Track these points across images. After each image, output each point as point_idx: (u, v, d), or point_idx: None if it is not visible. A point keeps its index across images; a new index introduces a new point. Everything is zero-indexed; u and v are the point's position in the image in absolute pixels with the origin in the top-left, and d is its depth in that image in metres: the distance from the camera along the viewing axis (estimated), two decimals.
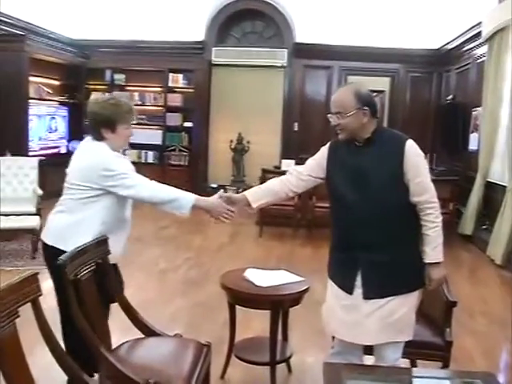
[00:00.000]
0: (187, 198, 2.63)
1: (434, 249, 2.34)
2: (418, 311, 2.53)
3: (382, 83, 9.98)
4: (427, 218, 2.34)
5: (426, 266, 2.37)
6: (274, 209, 7.07)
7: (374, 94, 10.07)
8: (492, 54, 6.85)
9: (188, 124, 10.05)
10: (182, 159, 10.00)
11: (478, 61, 7.72)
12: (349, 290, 2.37)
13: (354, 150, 2.37)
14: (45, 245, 2.63)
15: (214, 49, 10.04)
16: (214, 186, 10.26)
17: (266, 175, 7.07)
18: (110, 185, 2.54)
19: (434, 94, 9.84)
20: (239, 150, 10.04)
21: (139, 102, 10.05)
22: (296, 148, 9.79)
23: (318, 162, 2.50)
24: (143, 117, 9.99)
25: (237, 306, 3.05)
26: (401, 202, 2.31)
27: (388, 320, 2.34)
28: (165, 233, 7.02)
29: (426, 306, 2.87)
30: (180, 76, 10.04)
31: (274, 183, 2.62)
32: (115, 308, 2.68)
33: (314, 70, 10.10)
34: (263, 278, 2.94)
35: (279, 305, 2.89)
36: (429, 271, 2.37)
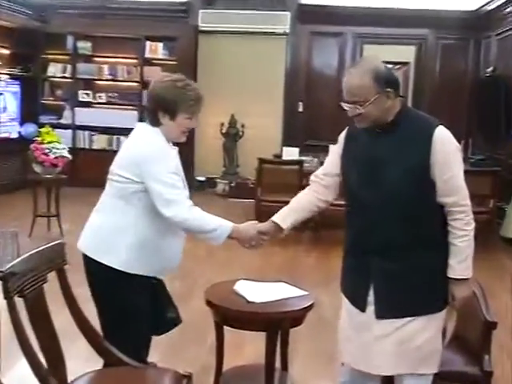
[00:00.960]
0: (223, 228, 2.81)
1: (460, 262, 2.33)
2: (454, 336, 2.52)
3: (407, 53, 9.98)
4: (455, 223, 2.32)
5: (450, 281, 2.36)
6: (273, 206, 7.03)
7: (397, 66, 10.07)
8: None
9: None
10: None
11: None
12: (361, 306, 2.39)
13: (372, 137, 2.38)
14: (83, 256, 2.68)
15: (200, 12, 10.00)
16: (202, 179, 10.27)
17: (263, 166, 7.05)
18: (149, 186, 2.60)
19: (471, 66, 9.83)
20: (232, 136, 10.02)
21: (109, 77, 10.07)
22: (301, 133, 9.80)
23: (332, 157, 2.56)
24: (115, 95, 9.97)
25: (226, 327, 3.01)
26: (425, 202, 2.31)
27: (407, 346, 2.33)
28: None
29: (459, 326, 2.85)
30: (159, 45, 10.02)
31: (299, 198, 2.69)
32: (75, 331, 2.62)
33: (322, 37, 10.12)
34: (257, 292, 2.90)
35: (277, 325, 2.86)
36: (452, 288, 2.36)
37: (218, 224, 2.78)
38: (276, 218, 2.70)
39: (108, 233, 2.64)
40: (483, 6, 9.15)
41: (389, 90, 2.29)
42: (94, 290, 2.66)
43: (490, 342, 2.71)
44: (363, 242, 2.38)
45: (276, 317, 2.81)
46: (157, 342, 3.94)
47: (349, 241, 2.49)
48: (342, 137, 2.53)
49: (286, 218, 2.66)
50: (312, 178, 2.66)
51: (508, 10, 8.27)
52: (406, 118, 2.34)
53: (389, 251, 2.31)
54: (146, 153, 2.62)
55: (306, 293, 2.97)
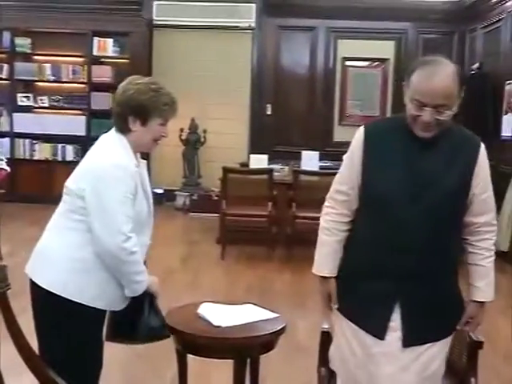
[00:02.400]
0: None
1: (488, 284, 2.49)
2: None
3: (385, 49, 10.16)
4: (483, 244, 2.46)
5: (472, 305, 2.51)
6: (240, 221, 7.13)
7: (375, 63, 10.25)
8: None
9: None
10: None
11: None
12: (379, 333, 2.40)
13: (414, 145, 2.36)
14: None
15: (155, 3, 10.08)
16: (159, 191, 10.23)
17: (228, 176, 7.10)
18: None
19: (456, 62, 9.79)
20: (192, 143, 10.06)
21: (52, 78, 10.01)
22: (270, 138, 9.92)
23: (352, 165, 2.47)
24: (59, 98, 9.92)
25: (189, 355, 3.02)
26: (458, 222, 2.42)
27: (424, 374, 2.41)
28: None
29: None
30: (109, 41, 10.03)
31: (330, 240, 2.55)
32: (20, 363, 2.63)
33: (292, 32, 10.27)
34: (223, 316, 2.93)
35: (245, 351, 2.89)
36: (474, 311, 2.51)
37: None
38: (330, 271, 2.56)
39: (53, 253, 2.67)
40: None
41: (460, 98, 2.34)
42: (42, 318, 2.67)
43: (476, 363, 2.77)
44: (393, 265, 2.38)
45: (244, 342, 2.85)
46: (111, 375, 3.97)
47: (365, 261, 2.46)
48: (359, 139, 2.46)
49: (335, 264, 2.56)
50: (335, 197, 2.54)
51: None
52: (450, 131, 2.38)
53: (423, 275, 2.37)
54: (99, 165, 2.64)
55: (276, 315, 3.01)
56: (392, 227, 2.36)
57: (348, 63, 10.40)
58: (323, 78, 10.34)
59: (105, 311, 2.69)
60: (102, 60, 10.10)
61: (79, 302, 2.57)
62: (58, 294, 2.57)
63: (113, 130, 2.74)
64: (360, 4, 9.76)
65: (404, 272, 2.36)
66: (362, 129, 2.48)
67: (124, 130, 2.69)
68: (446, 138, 2.35)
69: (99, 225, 2.56)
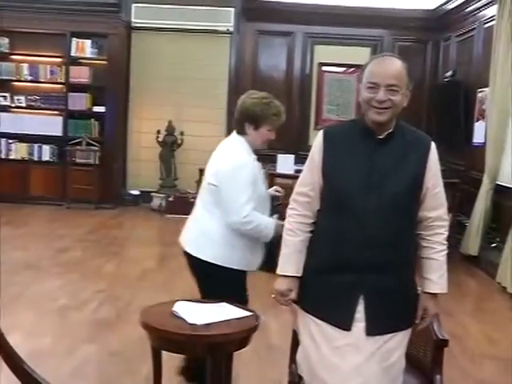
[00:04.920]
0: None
1: (441, 277, 2.56)
2: None
3: (361, 55, 10.15)
4: (436, 238, 2.56)
5: (424, 296, 2.57)
6: None
7: (351, 69, 10.34)
8: (503, 16, 7.16)
9: (99, 108, 10.01)
10: (90, 156, 9.93)
11: (486, 25, 8.05)
12: (346, 325, 2.45)
13: (371, 143, 2.47)
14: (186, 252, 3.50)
15: (133, 6, 10.12)
16: (136, 192, 10.27)
17: None
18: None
19: (429, 70, 10.22)
20: (169, 144, 10.09)
21: (29, 78, 9.97)
22: None
23: (313, 166, 2.55)
24: (36, 98, 9.88)
25: (164, 352, 3.05)
26: (413, 216, 2.52)
27: (386, 364, 2.47)
28: (65, 257, 6.96)
29: (412, 345, 2.98)
30: (87, 42, 10.01)
31: (294, 241, 2.61)
32: None
33: (270, 36, 10.34)
34: (198, 314, 2.98)
35: (219, 348, 2.93)
36: (428, 303, 2.57)
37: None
38: (294, 270, 2.62)
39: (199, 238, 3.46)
40: (443, 4, 9.53)
41: (409, 92, 2.49)
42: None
43: (441, 361, 2.87)
44: (355, 258, 2.45)
45: (219, 339, 2.89)
46: (86, 373, 4.01)
47: (327, 255, 2.52)
48: (319, 142, 2.55)
49: (299, 265, 2.62)
50: (297, 199, 2.61)
51: (469, 9, 8.63)
52: (402, 130, 2.52)
53: (385, 266, 2.45)
54: (229, 166, 3.31)
55: (250, 313, 3.08)
56: (353, 223, 2.44)
57: (324, 68, 10.48)
58: (300, 83, 10.42)
59: (246, 272, 3.47)
60: (80, 61, 10.05)
61: (231, 267, 3.36)
62: (218, 264, 3.34)
63: (234, 133, 3.46)
64: (337, 11, 9.84)
65: (366, 265, 2.43)
66: (320, 132, 2.59)
67: (241, 132, 3.40)
68: (399, 137, 2.49)
69: (227, 207, 3.31)
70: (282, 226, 2.85)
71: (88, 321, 5.02)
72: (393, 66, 2.44)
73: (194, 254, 3.40)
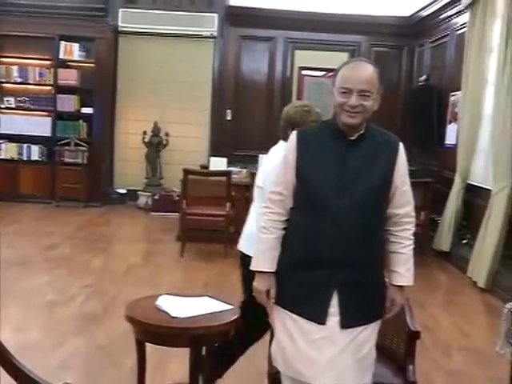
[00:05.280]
0: None
1: (408, 270, 2.59)
2: (376, 345, 2.66)
3: (339, 60, 9.89)
4: (403, 234, 2.58)
5: (392, 289, 2.59)
6: (199, 220, 7.16)
7: (330, 73, 10.36)
8: (474, 24, 7.22)
9: (87, 110, 9.96)
10: (79, 156, 9.88)
11: (458, 32, 8.12)
12: (321, 319, 2.46)
13: (343, 144, 2.48)
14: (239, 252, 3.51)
15: (120, 11, 10.06)
16: (123, 191, 10.24)
17: (189, 177, 7.13)
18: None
19: (404, 74, 10.27)
20: (155, 145, 10.07)
21: (19, 80, 9.89)
22: (229, 142, 9.95)
23: (287, 166, 2.55)
24: (25, 99, 9.81)
25: (148, 345, 3.04)
26: (383, 214, 2.54)
27: (359, 355, 2.49)
28: (53, 253, 6.91)
29: (385, 338, 3.00)
30: (75, 46, 9.94)
31: (268, 238, 2.60)
32: None
33: (252, 41, 10.34)
34: (181, 307, 2.97)
35: (201, 340, 2.93)
36: (395, 295, 2.59)
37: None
38: (269, 266, 2.60)
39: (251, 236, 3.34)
40: (417, 12, 9.58)
41: (379, 97, 2.50)
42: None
43: (414, 352, 2.89)
44: (328, 254, 2.45)
45: (201, 332, 2.87)
46: (73, 365, 3.99)
47: (301, 253, 2.52)
48: (292, 143, 2.56)
49: (274, 261, 2.61)
50: (272, 198, 2.60)
51: (442, 16, 8.69)
52: (372, 132, 2.54)
53: (357, 262, 2.46)
54: (270, 166, 3.31)
55: (231, 306, 3.07)
56: (326, 220, 2.44)
57: (304, 72, 10.51)
58: (281, 86, 10.43)
59: None
60: (69, 64, 9.99)
61: None
62: None
63: (281, 141, 3.48)
64: (316, 17, 9.86)
65: (339, 261, 2.44)
66: (294, 133, 2.59)
67: (285, 138, 3.27)
68: (369, 138, 2.50)
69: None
70: None
71: (75, 315, 4.99)
72: (365, 72, 2.44)
73: (246, 253, 3.34)
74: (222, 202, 7.08)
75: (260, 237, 2.62)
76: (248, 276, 3.29)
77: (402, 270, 2.57)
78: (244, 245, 3.47)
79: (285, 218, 2.57)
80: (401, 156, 2.54)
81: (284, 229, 2.58)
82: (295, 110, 3.48)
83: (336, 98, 2.44)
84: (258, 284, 2.60)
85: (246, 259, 3.31)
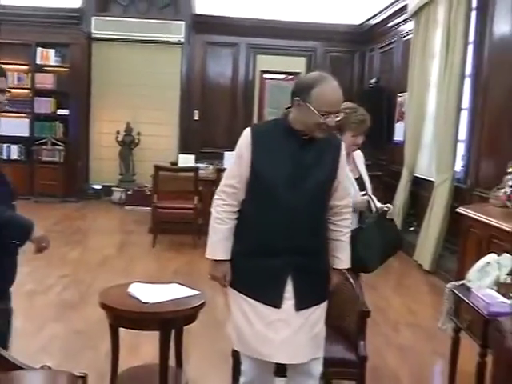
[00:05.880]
0: None
1: (347, 255, 2.69)
2: (330, 324, 2.73)
3: (297, 64, 10.32)
4: (343, 223, 2.67)
5: (334, 272, 2.68)
6: (170, 213, 7.13)
7: (290, 76, 10.41)
8: (418, 31, 7.32)
9: (63, 111, 9.82)
10: (56, 155, 9.75)
11: (405, 38, 8.22)
12: (277, 303, 2.49)
13: (296, 142, 2.50)
14: None
15: (93, 18, 9.92)
16: (98, 187, 10.14)
17: (159, 173, 7.10)
18: None
19: (357, 77, 10.35)
20: (128, 144, 10.00)
21: None
22: (197, 141, 9.95)
23: (242, 162, 2.53)
24: (5, 102, 9.61)
25: (122, 329, 3.05)
26: (327, 206, 2.60)
27: (312, 333, 2.54)
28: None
29: (338, 317, 3.05)
30: (51, 51, 9.79)
31: (222, 228, 2.58)
32: None
33: (217, 47, 10.32)
34: (151, 294, 2.98)
35: (170, 324, 2.94)
36: (337, 277, 2.70)
37: None
38: (224, 255, 2.60)
39: None
40: (367, 20, 9.68)
41: None
42: None
43: (364, 329, 2.94)
44: (281, 243, 2.48)
45: (170, 316, 2.90)
46: (51, 349, 3.96)
47: (256, 241, 2.52)
48: (247, 139, 2.53)
49: (228, 250, 2.61)
50: (226, 190, 2.58)
51: (390, 24, 8.79)
52: None
53: (308, 249, 2.51)
54: None
55: (197, 292, 3.09)
56: (280, 211, 2.47)
57: (265, 76, 10.53)
58: (244, 88, 10.44)
59: None
60: (45, 68, 9.82)
61: None
62: None
63: None
64: (276, 25, 9.88)
65: (292, 249, 2.47)
66: (248, 130, 2.57)
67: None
68: (317, 138, 2.51)
69: None
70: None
71: (53, 303, 4.95)
72: (340, 94, 2.47)
73: None
74: (190, 196, 7.07)
75: (214, 227, 2.59)
76: None
77: (342, 256, 2.66)
78: None
79: (237, 209, 2.58)
80: (342, 154, 2.61)
81: (236, 219, 2.58)
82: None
83: (312, 116, 2.41)
84: (215, 271, 2.61)
85: None
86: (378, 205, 3.50)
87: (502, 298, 2.90)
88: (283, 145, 2.51)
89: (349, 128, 3.38)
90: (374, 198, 3.53)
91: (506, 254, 3.23)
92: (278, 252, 2.48)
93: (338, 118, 2.47)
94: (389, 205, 3.51)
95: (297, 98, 2.44)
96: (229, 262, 2.59)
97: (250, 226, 2.55)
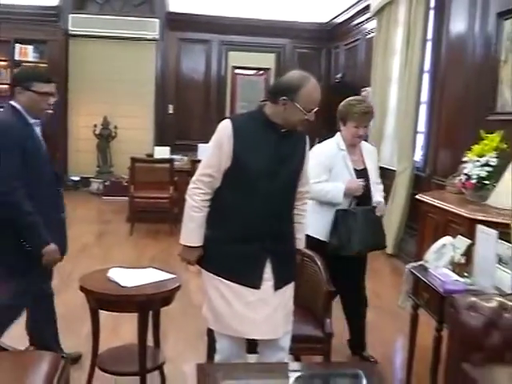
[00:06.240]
0: None
1: (304, 236, 2.82)
2: (299, 304, 2.81)
3: (267, 60, 10.35)
4: (304, 207, 2.77)
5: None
6: (146, 202, 7.14)
7: (261, 72, 10.43)
8: (380, 29, 7.39)
9: None
10: None
11: (368, 36, 8.28)
12: (257, 284, 2.54)
13: (275, 135, 2.54)
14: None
15: (70, 16, 9.80)
16: (76, 178, 10.06)
17: (136, 165, 7.09)
18: None
19: (324, 72, 10.38)
20: (105, 136, 9.93)
21: None
22: (172, 133, 9.92)
23: (221, 152, 2.53)
24: None
25: (102, 312, 3.07)
26: (297, 193, 2.68)
27: (286, 309, 2.64)
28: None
29: (307, 298, 3.11)
30: (29, 48, 9.65)
31: (199, 216, 2.60)
32: None
33: (190, 43, 10.28)
34: (129, 278, 3.00)
35: (147, 306, 2.97)
36: (297, 257, 2.82)
37: None
38: (199, 242, 2.63)
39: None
40: (333, 19, 9.73)
41: None
42: None
43: (330, 308, 3.02)
44: (260, 229, 2.53)
45: (147, 298, 2.92)
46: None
47: (236, 228, 2.54)
48: (228, 130, 2.51)
49: (202, 236, 2.64)
50: (202, 179, 2.58)
51: (354, 23, 8.84)
52: None
53: (283, 234, 2.61)
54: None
55: (173, 276, 3.12)
56: (259, 200, 2.51)
57: (237, 71, 10.52)
58: (216, 83, 10.42)
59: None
60: (23, 64, 9.62)
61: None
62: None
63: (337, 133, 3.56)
64: (247, 22, 9.88)
65: (271, 234, 2.54)
66: (228, 122, 2.56)
67: (338, 128, 3.56)
68: (291, 131, 2.59)
69: None
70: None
71: None
72: (320, 91, 2.55)
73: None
74: (166, 186, 7.08)
75: (191, 215, 2.60)
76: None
77: (302, 237, 2.77)
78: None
79: (211, 197, 2.60)
80: (308, 146, 2.69)
81: (209, 206, 2.60)
82: (343, 103, 3.53)
83: (298, 113, 2.46)
84: (190, 256, 2.65)
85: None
86: (375, 198, 3.58)
87: (456, 277, 2.99)
88: (263, 137, 2.55)
89: (351, 118, 3.43)
90: (379, 191, 3.65)
91: (460, 237, 3.31)
92: (258, 237, 2.53)
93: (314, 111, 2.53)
94: (378, 202, 3.59)
95: (283, 98, 2.46)
96: (201, 247, 2.62)
97: (230, 213, 2.57)
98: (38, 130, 3.17)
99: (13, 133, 2.96)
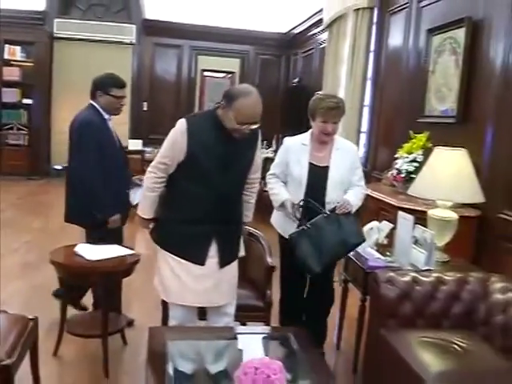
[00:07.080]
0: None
1: (252, 212, 2.89)
2: (245, 278, 2.89)
3: (233, 64, 10.37)
4: (253, 190, 2.83)
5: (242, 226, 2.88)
6: None
7: (229, 75, 10.45)
8: (331, 41, 7.46)
9: (27, 101, 9.55)
10: (21, 138, 9.52)
11: (321, 46, 8.35)
12: (201, 261, 2.60)
13: (223, 137, 2.54)
14: None
15: (55, 20, 9.65)
16: (59, 167, 9.94)
17: None
18: None
19: (283, 77, 10.46)
20: None
21: None
22: (146, 128, 9.87)
23: (176, 147, 2.56)
24: None
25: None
26: (246, 182, 2.74)
27: (229, 283, 2.71)
28: (1, 216, 6.69)
29: (252, 273, 3.19)
30: (17, 48, 9.49)
31: (153, 195, 2.70)
32: None
33: (164, 48, 10.22)
34: (94, 252, 3.05)
35: (109, 277, 3.02)
36: (243, 230, 2.89)
37: None
38: (153, 215, 2.74)
39: None
40: (292, 29, 9.79)
41: None
42: None
43: (271, 281, 3.10)
44: (212, 213, 2.58)
45: (108, 270, 2.98)
46: (14, 301, 3.96)
47: (188, 212, 2.58)
48: (183, 128, 2.52)
49: (153, 211, 2.74)
50: (158, 166, 2.63)
51: (310, 33, 8.90)
52: None
53: (230, 218, 2.66)
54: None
55: (133, 251, 3.18)
56: (211, 191, 2.57)
57: (206, 74, 10.51)
58: (187, 84, 10.40)
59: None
60: (12, 63, 9.50)
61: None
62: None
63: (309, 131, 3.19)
64: (216, 30, 9.88)
65: (218, 218, 2.60)
66: (183, 121, 2.57)
67: (309, 125, 3.15)
68: None
69: None
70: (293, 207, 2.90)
71: (17, 263, 4.94)
72: (258, 109, 2.47)
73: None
74: (137, 174, 7.06)
75: (146, 195, 2.71)
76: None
77: (250, 213, 2.85)
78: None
79: (165, 179, 2.66)
80: (259, 141, 2.72)
81: (165, 187, 2.68)
82: (312, 99, 3.10)
83: (230, 122, 2.47)
84: (144, 224, 2.80)
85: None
86: (339, 198, 3.00)
87: (378, 255, 3.12)
88: (215, 136, 2.55)
89: (318, 113, 2.99)
90: (356, 192, 3.09)
91: (385, 222, 3.44)
92: (207, 221, 2.58)
93: (254, 127, 2.50)
94: (342, 200, 2.98)
95: (223, 103, 2.50)
96: (153, 219, 2.75)
97: (182, 198, 2.62)
98: (110, 123, 3.52)
99: (92, 127, 3.36)
